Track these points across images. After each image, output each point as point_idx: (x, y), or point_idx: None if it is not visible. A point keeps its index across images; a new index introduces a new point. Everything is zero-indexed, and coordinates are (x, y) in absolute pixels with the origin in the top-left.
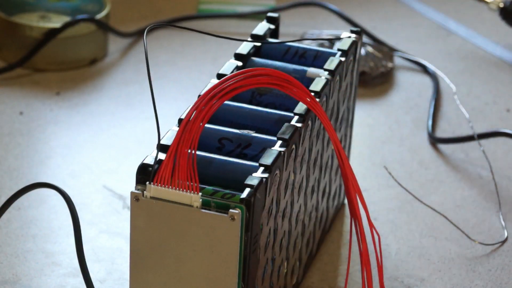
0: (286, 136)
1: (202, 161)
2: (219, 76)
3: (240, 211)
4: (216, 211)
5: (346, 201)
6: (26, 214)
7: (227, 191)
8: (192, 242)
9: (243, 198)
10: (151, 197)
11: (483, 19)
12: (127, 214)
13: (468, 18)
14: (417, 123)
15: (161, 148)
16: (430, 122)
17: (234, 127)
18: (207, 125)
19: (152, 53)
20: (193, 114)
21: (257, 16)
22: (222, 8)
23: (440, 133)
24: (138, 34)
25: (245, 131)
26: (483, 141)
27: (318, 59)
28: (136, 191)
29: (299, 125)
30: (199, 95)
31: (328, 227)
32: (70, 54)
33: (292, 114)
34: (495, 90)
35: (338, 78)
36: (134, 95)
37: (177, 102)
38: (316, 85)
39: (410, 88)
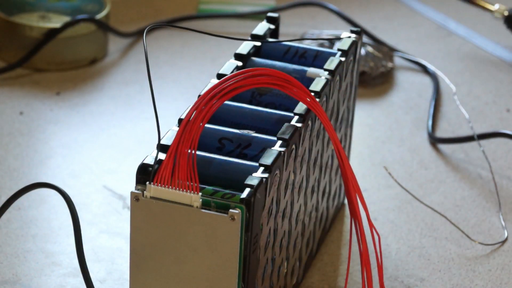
0: (286, 136)
1: (202, 161)
2: (219, 76)
3: (240, 211)
4: (216, 211)
5: (346, 201)
6: (26, 214)
7: (227, 191)
8: (192, 242)
9: (243, 198)
10: (151, 197)
11: (483, 19)
12: (127, 214)
13: (468, 18)
14: (417, 123)
15: (161, 148)
16: (430, 122)
17: (234, 127)
18: (207, 125)
19: (152, 53)
20: (193, 114)
21: (257, 16)
22: (222, 8)
23: (440, 133)
24: (138, 34)
25: (245, 131)
26: (483, 141)
27: (318, 59)
28: (136, 191)
29: (299, 125)
30: (199, 95)
31: (328, 227)
32: (70, 54)
33: (292, 114)
34: (495, 90)
35: (338, 78)
36: (134, 95)
37: (177, 102)
38: (316, 85)
39: (410, 88)
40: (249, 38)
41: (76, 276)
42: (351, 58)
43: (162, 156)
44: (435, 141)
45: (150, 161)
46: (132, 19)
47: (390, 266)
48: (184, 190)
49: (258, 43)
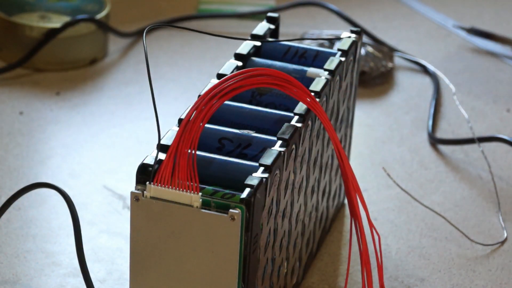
0: (286, 136)
1: (202, 161)
2: (219, 76)
3: (240, 211)
4: (216, 211)
5: (346, 201)
6: (26, 214)
7: (227, 191)
8: (192, 242)
9: (243, 198)
10: (151, 197)
11: (483, 19)
12: (127, 214)
13: (468, 18)
14: (417, 123)
15: (161, 148)
16: (430, 122)
17: (234, 127)
18: (207, 125)
19: (152, 53)
20: (193, 114)
21: (257, 16)
22: (222, 8)
23: (440, 133)
24: (138, 34)
25: (245, 131)
26: (482, 142)
27: (318, 59)
28: (136, 191)
29: (299, 125)
30: (199, 95)
31: (328, 227)
32: (70, 54)
33: (292, 114)
34: (495, 90)
35: (338, 78)
36: (134, 95)
37: (177, 102)
38: (316, 85)
39: (410, 88)
40: (249, 38)
41: (76, 276)
42: (351, 58)
43: (162, 156)
44: (435, 141)
45: (150, 161)
46: (132, 19)
47: (390, 266)
48: (184, 190)
49: (258, 43)
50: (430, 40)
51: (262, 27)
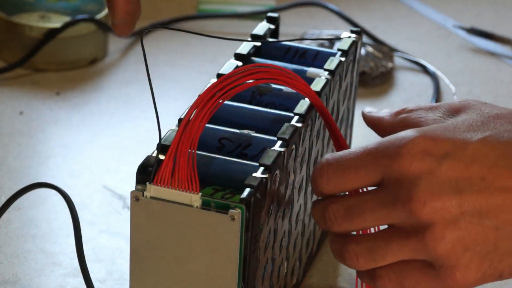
0: (286, 136)
1: (202, 161)
2: (219, 76)
3: (240, 211)
4: (216, 211)
5: None
6: (26, 214)
7: (227, 191)
8: (192, 242)
9: (243, 198)
10: (151, 197)
11: (483, 19)
12: (127, 214)
13: (468, 18)
14: None
15: (161, 148)
16: None
17: (234, 127)
18: (207, 125)
19: (151, 53)
20: (193, 113)
21: (257, 16)
22: (222, 8)
23: None
24: (138, 34)
25: (245, 131)
26: None
27: (318, 59)
28: (136, 191)
29: (299, 125)
30: (199, 95)
31: None
32: (70, 54)
33: (292, 114)
34: (495, 90)
35: (338, 78)
36: (134, 95)
37: (177, 102)
38: (316, 85)
39: (410, 88)
40: (248, 39)
41: (76, 276)
42: (351, 58)
43: (162, 156)
44: None
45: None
46: None
47: None
48: (184, 190)
49: (258, 43)
50: (430, 40)
51: (262, 27)
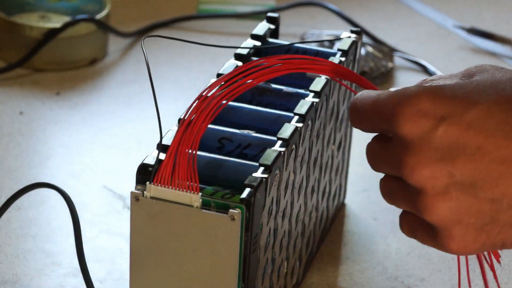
0: (286, 136)
1: (202, 161)
2: (219, 76)
3: (240, 211)
4: (216, 211)
5: (346, 200)
6: (26, 214)
7: (227, 191)
8: (192, 242)
9: (243, 198)
10: (151, 197)
11: (483, 19)
12: (127, 214)
13: (468, 18)
14: None
15: (162, 148)
16: None
17: (234, 127)
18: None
19: (151, 53)
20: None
21: (257, 16)
22: (222, 8)
23: None
24: (138, 34)
25: (245, 131)
26: None
27: None
28: (136, 191)
29: (299, 125)
30: (201, 95)
31: (328, 227)
32: (70, 54)
33: (292, 114)
34: None
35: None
36: (134, 95)
37: (177, 102)
38: (316, 85)
39: None
40: (249, 39)
41: (76, 276)
42: (351, 58)
43: (162, 156)
44: None
45: (150, 161)
46: (132, 19)
47: (390, 266)
48: (184, 190)
49: (258, 43)
50: (430, 40)
51: (262, 27)
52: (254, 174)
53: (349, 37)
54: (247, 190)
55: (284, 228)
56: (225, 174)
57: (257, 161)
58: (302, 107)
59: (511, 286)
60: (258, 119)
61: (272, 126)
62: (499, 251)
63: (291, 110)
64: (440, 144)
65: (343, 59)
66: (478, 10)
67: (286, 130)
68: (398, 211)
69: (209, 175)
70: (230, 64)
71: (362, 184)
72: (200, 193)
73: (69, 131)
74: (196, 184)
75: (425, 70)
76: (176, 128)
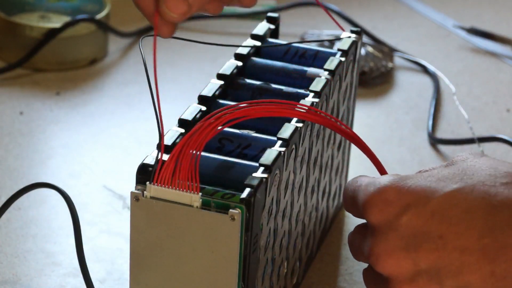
0: (286, 136)
1: (202, 161)
2: (219, 76)
3: (240, 211)
4: (216, 211)
5: None
6: (26, 214)
7: (227, 191)
8: (192, 242)
9: (243, 198)
10: (151, 197)
11: (483, 19)
12: (127, 214)
13: (468, 18)
14: (417, 123)
15: (162, 148)
16: (430, 122)
17: (234, 127)
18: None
19: (151, 53)
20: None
21: (257, 16)
22: None
23: (440, 133)
24: (138, 34)
25: (245, 131)
26: (482, 142)
27: (318, 59)
28: (136, 191)
29: (299, 125)
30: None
31: (328, 227)
32: (70, 54)
33: None
34: (495, 90)
35: (338, 78)
36: (134, 95)
37: (177, 102)
38: (316, 85)
39: (410, 88)
40: (249, 38)
41: (76, 276)
42: (351, 58)
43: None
44: (435, 141)
45: (150, 161)
46: (132, 19)
47: None
48: (184, 190)
49: (258, 43)
50: (430, 40)
51: (262, 27)
52: (254, 174)
53: (349, 37)
54: (247, 190)
55: (284, 228)
56: (225, 174)
57: (257, 161)
58: None
59: None
60: (258, 118)
61: (272, 126)
62: None
63: None
64: (405, 232)
65: (343, 59)
66: (478, 10)
67: (286, 130)
68: None
69: (209, 175)
70: (230, 64)
71: None
72: (200, 193)
73: (69, 131)
74: (196, 184)
75: (425, 70)
76: (176, 128)
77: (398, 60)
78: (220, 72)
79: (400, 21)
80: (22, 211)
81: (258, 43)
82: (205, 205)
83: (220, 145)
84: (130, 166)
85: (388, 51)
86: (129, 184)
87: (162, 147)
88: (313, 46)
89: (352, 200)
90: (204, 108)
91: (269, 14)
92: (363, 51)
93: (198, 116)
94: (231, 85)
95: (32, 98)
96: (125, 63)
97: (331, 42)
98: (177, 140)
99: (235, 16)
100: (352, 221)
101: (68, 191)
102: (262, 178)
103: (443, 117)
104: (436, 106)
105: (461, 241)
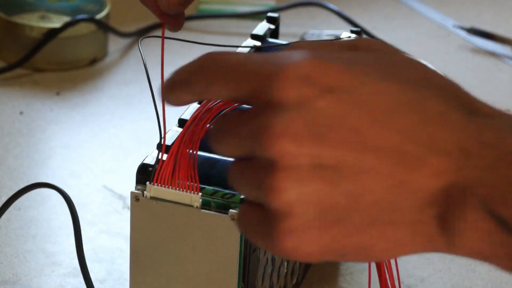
0: None
1: (202, 161)
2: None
3: None
4: (216, 211)
5: None
6: (26, 214)
7: (227, 191)
8: (192, 242)
9: (243, 198)
10: (151, 197)
11: (483, 19)
12: (127, 214)
13: (468, 18)
14: None
15: (162, 148)
16: None
17: None
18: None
19: (151, 53)
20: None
21: (257, 16)
22: (222, 8)
23: None
24: (138, 34)
25: None
26: None
27: None
28: (136, 191)
29: None
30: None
31: None
32: (70, 54)
33: None
34: (495, 90)
35: None
36: (134, 95)
37: None
38: None
39: None
40: (249, 38)
41: (76, 276)
42: None
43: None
44: None
45: (150, 161)
46: (132, 19)
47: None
48: (184, 190)
49: (258, 43)
50: (430, 40)
51: (262, 27)
52: None
53: (349, 37)
54: None
55: None
56: (225, 174)
57: None
58: None
59: (511, 286)
60: None
61: None
62: None
63: None
64: (317, 119)
65: None
66: (478, 10)
67: None
68: None
69: (209, 175)
70: None
71: None
72: (200, 193)
73: (69, 131)
74: (196, 184)
75: None
76: (176, 128)
77: None
78: None
79: (400, 21)
80: (22, 211)
81: (258, 43)
82: (205, 205)
83: None
84: (130, 166)
85: None
86: (129, 184)
87: (163, 147)
88: None
89: (240, 74)
90: None
91: (269, 14)
92: None
93: None
94: None
95: (32, 98)
96: (125, 63)
97: None
98: None
99: (235, 16)
100: None
101: (68, 191)
102: None
103: None
104: None
105: (379, 140)
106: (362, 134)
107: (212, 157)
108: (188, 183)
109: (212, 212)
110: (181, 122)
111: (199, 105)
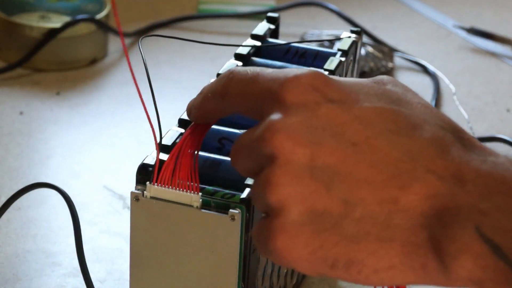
0: None
1: (202, 161)
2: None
3: (240, 211)
4: (216, 211)
5: None
6: (26, 214)
7: (227, 191)
8: (192, 242)
9: (243, 198)
10: (151, 197)
11: (483, 19)
12: (127, 214)
13: (468, 18)
14: None
15: (162, 148)
16: None
17: (234, 127)
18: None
19: (151, 53)
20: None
21: (257, 16)
22: (222, 8)
23: None
24: (138, 34)
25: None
26: (483, 142)
27: (318, 59)
28: (136, 191)
29: None
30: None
31: None
32: (70, 54)
33: None
34: (495, 90)
35: None
36: (134, 95)
37: (177, 102)
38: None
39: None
40: (249, 38)
41: (76, 276)
42: (351, 58)
43: (162, 156)
44: None
45: (150, 161)
46: (132, 19)
47: None
48: (184, 190)
49: (258, 43)
50: (430, 40)
51: (262, 27)
52: None
53: (349, 37)
54: (247, 190)
55: None
56: (225, 174)
57: None
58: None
59: None
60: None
61: None
62: None
63: None
64: (318, 122)
65: (343, 59)
66: (478, 10)
67: None
68: None
69: (209, 175)
70: (230, 64)
71: None
72: (200, 193)
73: (69, 131)
74: (196, 184)
75: (425, 70)
76: (176, 128)
77: (398, 60)
78: (220, 72)
79: (400, 21)
80: (22, 211)
81: (258, 43)
82: (205, 205)
83: (220, 145)
84: (130, 166)
85: (388, 51)
86: (129, 184)
87: (157, 146)
88: (313, 46)
89: (257, 76)
90: None
91: (269, 14)
92: (363, 51)
93: None
94: None
95: (32, 98)
96: (125, 63)
97: (331, 42)
98: (177, 140)
99: (235, 16)
100: None
101: (68, 191)
102: None
103: None
104: (436, 106)
105: (376, 155)
106: (359, 147)
107: (216, 158)
108: (188, 183)
109: (212, 212)
110: (181, 122)
111: None
